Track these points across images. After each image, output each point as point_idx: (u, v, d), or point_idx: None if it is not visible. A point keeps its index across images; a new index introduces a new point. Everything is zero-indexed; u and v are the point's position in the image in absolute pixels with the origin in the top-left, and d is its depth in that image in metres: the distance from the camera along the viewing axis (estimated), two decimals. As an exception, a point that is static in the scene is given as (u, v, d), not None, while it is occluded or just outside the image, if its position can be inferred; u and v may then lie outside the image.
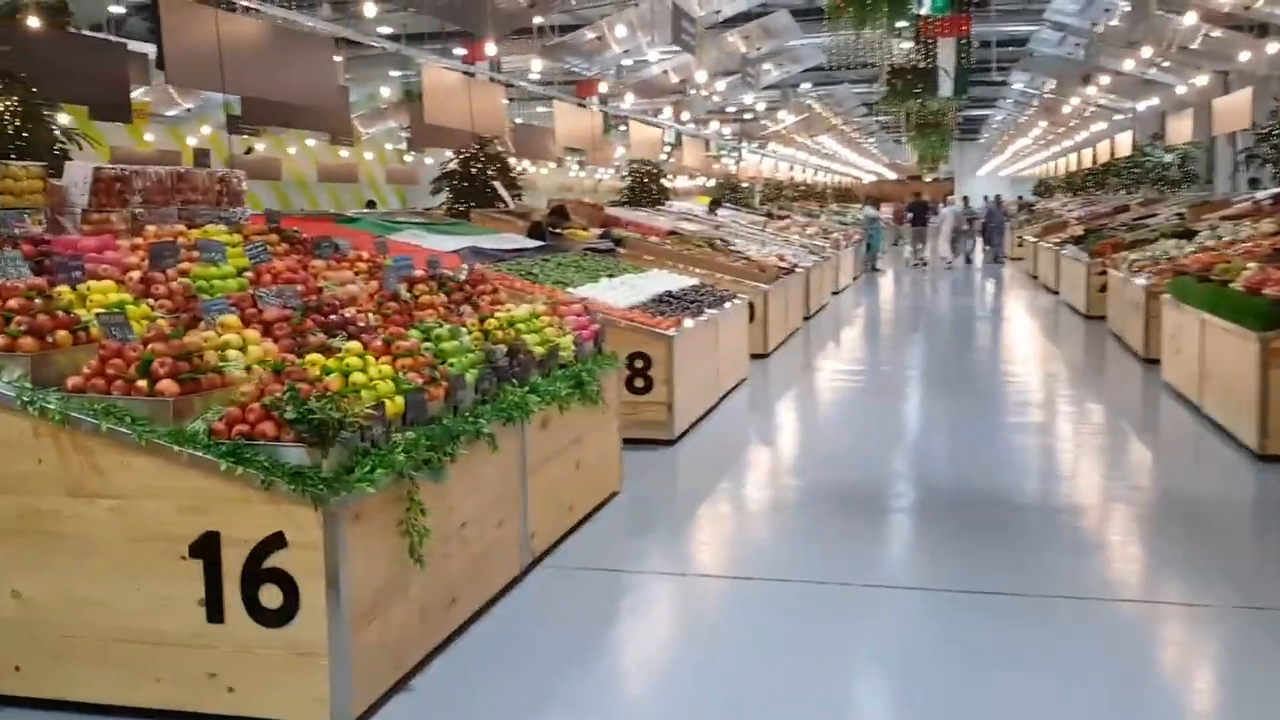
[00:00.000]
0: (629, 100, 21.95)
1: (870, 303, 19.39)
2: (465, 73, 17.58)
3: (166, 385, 3.66)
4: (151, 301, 4.47)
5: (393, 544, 3.84)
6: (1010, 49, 26.85)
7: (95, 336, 4.02)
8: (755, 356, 11.16)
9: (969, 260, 28.32)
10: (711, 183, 30.37)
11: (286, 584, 3.54)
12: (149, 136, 21.29)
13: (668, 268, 10.96)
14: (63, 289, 4.21)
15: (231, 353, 4.06)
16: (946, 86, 18.53)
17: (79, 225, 5.54)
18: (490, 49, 19.95)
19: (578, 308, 6.30)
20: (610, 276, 9.26)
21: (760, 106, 30.04)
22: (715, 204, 20.59)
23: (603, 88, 19.72)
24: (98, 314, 3.79)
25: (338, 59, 22.86)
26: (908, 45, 19.55)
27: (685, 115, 25.63)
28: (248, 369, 4.03)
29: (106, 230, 5.67)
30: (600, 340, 6.28)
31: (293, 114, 13.24)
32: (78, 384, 3.73)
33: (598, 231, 12.20)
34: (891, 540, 5.84)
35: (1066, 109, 30.66)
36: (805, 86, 31.78)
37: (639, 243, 12.20)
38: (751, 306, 11.29)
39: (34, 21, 10.63)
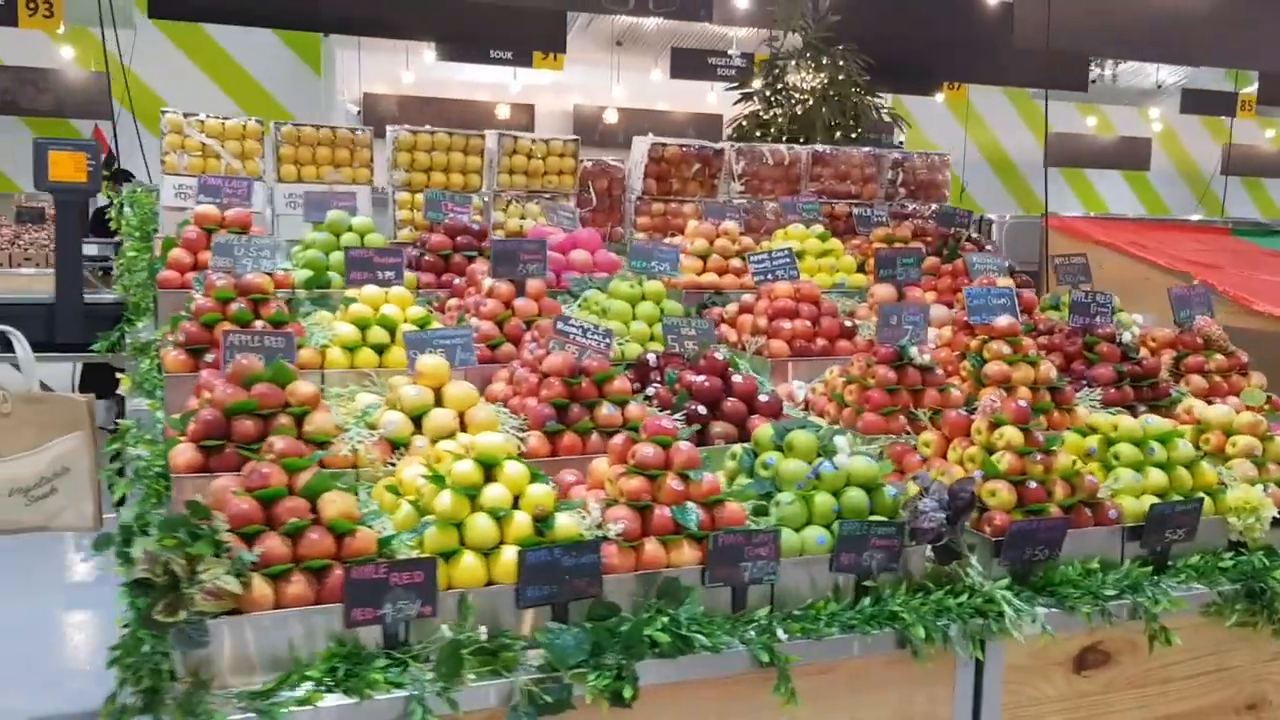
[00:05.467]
0: None
1: None
2: None
3: (176, 454, 2.35)
4: (476, 322, 3.13)
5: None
6: None
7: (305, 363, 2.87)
8: None
9: None
10: None
11: None
12: (1090, 120, 17.99)
13: None
14: (353, 295, 3.11)
15: (390, 415, 2.53)
16: None
17: (634, 216, 4.33)
18: None
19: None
20: None
21: None
22: None
23: None
24: (225, 331, 2.62)
25: None
26: None
27: None
28: (392, 446, 2.47)
29: (676, 225, 4.36)
30: None
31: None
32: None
33: None
34: None
35: None
36: None
37: None
38: None
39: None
